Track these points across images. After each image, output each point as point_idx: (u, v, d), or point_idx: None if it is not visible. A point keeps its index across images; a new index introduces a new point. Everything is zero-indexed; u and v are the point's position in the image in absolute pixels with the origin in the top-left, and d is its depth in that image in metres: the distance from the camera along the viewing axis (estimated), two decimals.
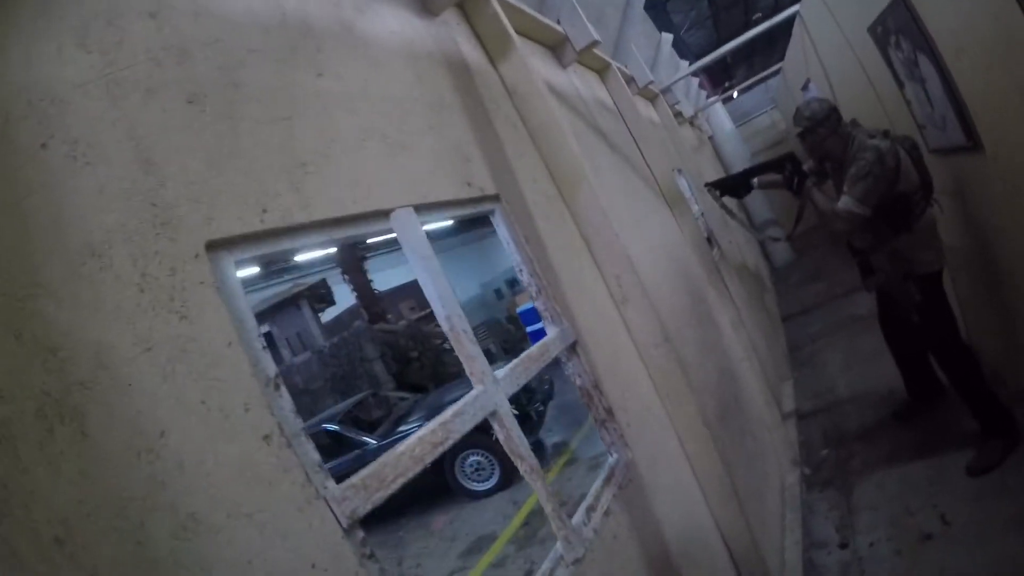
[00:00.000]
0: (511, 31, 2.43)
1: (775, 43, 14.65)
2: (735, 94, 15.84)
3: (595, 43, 3.38)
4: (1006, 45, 2.32)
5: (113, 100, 1.04)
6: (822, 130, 3.36)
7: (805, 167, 3.66)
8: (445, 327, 1.57)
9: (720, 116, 11.84)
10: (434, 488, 7.01)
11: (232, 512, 0.91)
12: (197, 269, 1.01)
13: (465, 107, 2.12)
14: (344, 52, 1.67)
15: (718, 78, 22.58)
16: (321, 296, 15.80)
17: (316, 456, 1.07)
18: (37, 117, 0.93)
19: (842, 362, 5.77)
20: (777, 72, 10.36)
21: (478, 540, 6.05)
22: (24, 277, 0.84)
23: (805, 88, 7.77)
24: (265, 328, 15.47)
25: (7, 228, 0.85)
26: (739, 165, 11.43)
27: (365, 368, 12.76)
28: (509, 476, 6.91)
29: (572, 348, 2.04)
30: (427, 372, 12.37)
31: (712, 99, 11.63)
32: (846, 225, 3.27)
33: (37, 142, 0.92)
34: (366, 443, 7.51)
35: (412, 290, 16.94)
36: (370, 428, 8.23)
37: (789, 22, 6.22)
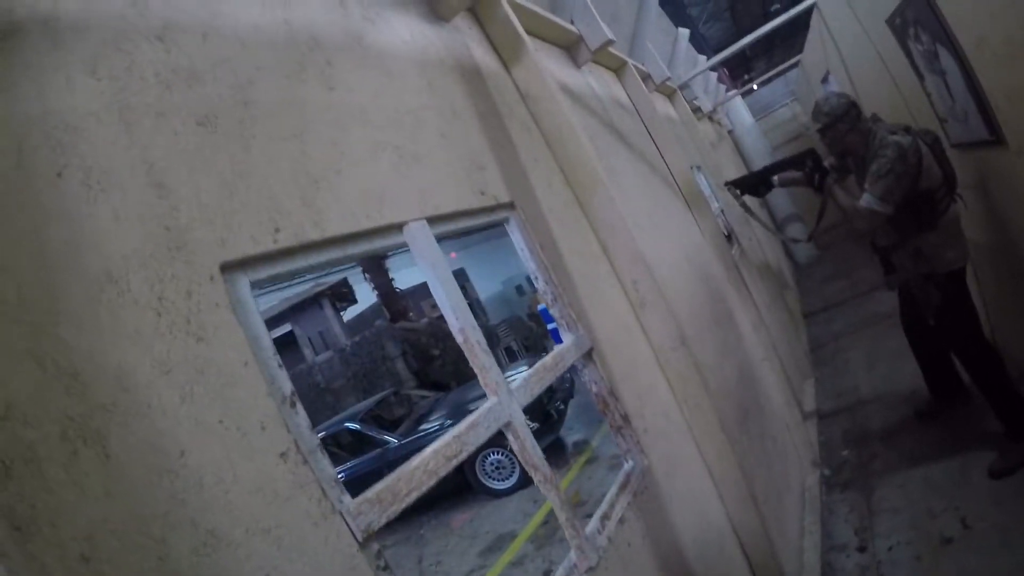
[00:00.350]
0: (523, 34, 2.43)
1: (795, 34, 14.46)
2: (755, 87, 15.67)
3: (609, 42, 3.36)
4: None
5: (125, 126, 1.06)
6: (842, 125, 3.32)
7: (826, 163, 3.62)
8: (459, 339, 1.58)
9: (740, 110, 11.72)
10: (455, 487, 7.04)
11: (250, 528, 0.93)
12: (212, 291, 1.03)
13: (478, 113, 2.12)
14: (354, 64, 1.68)
15: (737, 71, 22.36)
16: (343, 295, 15.94)
17: (331, 471, 1.09)
18: (51, 146, 0.96)
19: (865, 360, 5.72)
20: (796, 65, 10.23)
21: (498, 539, 6.08)
22: (45, 304, 0.86)
23: (825, 81, 7.67)
24: (287, 327, 15.67)
25: (27, 257, 0.87)
26: (759, 159, 11.31)
27: (387, 366, 12.84)
28: (527, 479, 6.91)
29: (588, 355, 2.04)
30: (449, 370, 12.41)
31: (731, 93, 11.49)
32: (868, 223, 3.23)
33: (53, 171, 0.94)
34: (387, 442, 7.54)
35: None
36: (392, 427, 8.28)
37: (807, 14, 6.15)
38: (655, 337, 2.33)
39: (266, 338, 1.08)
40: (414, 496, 1.21)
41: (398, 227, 1.53)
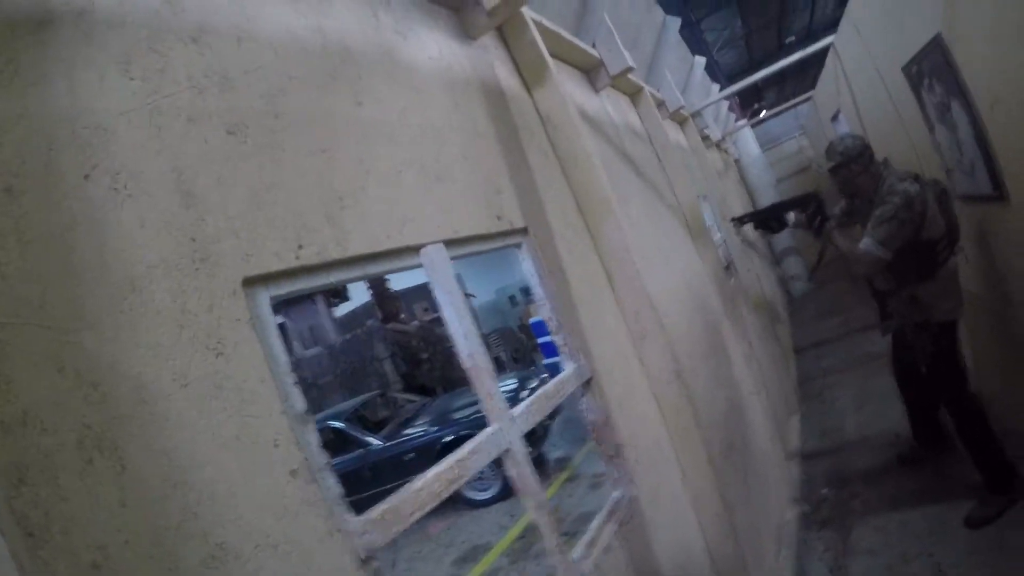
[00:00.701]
0: (547, 57, 2.45)
1: (808, 68, 14.56)
2: (763, 114, 15.76)
3: (629, 69, 3.40)
4: None
5: (156, 129, 1.04)
6: (855, 167, 3.36)
7: (837, 208, 3.66)
8: (467, 364, 1.58)
9: (748, 140, 11.78)
10: None
11: (259, 543, 0.94)
12: (234, 305, 1.03)
13: (498, 135, 2.13)
14: (384, 78, 1.68)
15: (748, 100, 22.47)
16: (336, 291, 15.89)
17: (338, 490, 1.10)
18: (80, 146, 0.94)
19: (852, 400, 5.73)
20: (807, 100, 10.31)
21: (472, 549, 6.07)
22: (67, 310, 0.86)
23: (835, 119, 7.74)
24: (279, 319, 15.58)
25: (51, 260, 0.87)
26: (764, 190, 11.39)
27: (375, 367, 12.80)
28: (509, 487, 6.80)
29: (587, 384, 2.05)
30: (436, 375, 12.38)
31: (741, 123, 11.57)
32: (866, 268, 3.26)
33: (81, 173, 0.93)
34: (370, 443, 7.52)
35: (427, 292, 16.88)
36: (376, 428, 8.23)
37: (823, 52, 6.21)
38: (652, 368, 2.35)
39: (283, 355, 1.09)
40: (416, 516, 1.22)
41: (415, 249, 1.53)
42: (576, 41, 3.09)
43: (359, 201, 1.38)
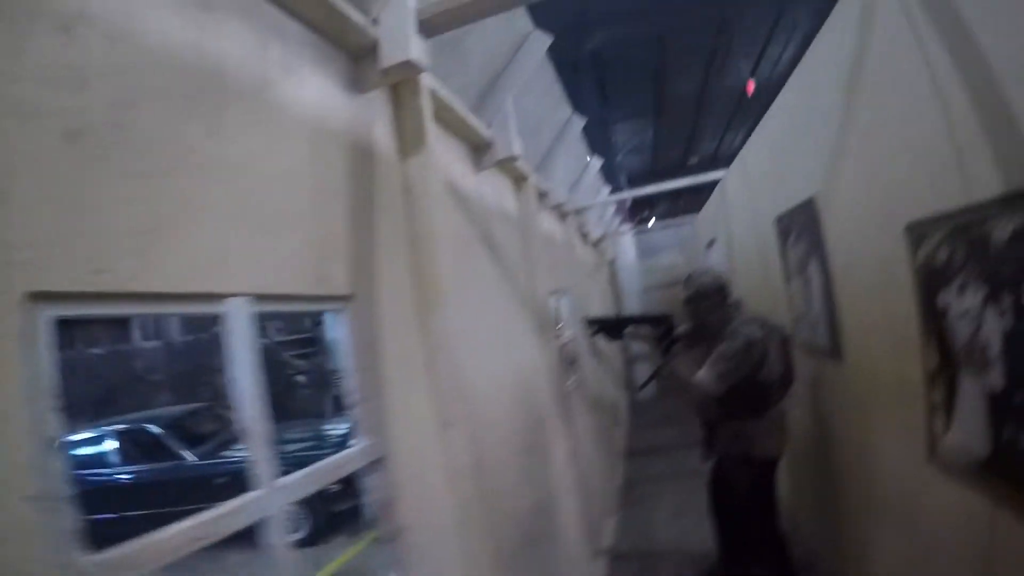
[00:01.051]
0: (428, 128, 2.38)
1: (702, 190, 15.81)
2: (651, 223, 16.77)
3: (515, 157, 3.44)
4: (884, 284, 2.54)
5: None
6: (706, 303, 3.56)
7: (681, 329, 3.84)
8: (246, 425, 1.49)
9: (627, 245, 12.37)
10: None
11: None
12: (9, 319, 0.92)
13: (353, 196, 2.02)
14: (246, 113, 1.56)
15: (640, 207, 23.88)
16: None
17: (75, 524, 0.98)
18: None
19: (671, 510, 5.92)
20: (690, 222, 11.04)
21: None
22: None
23: (710, 246, 8.30)
24: None
25: None
26: (632, 295, 11.92)
27: (210, 377, 11.90)
28: (319, 535, 6.70)
29: (376, 462, 1.95)
30: (274, 401, 11.60)
31: (624, 227, 12.18)
32: (699, 397, 3.43)
33: None
34: (183, 458, 7.15)
35: (286, 313, 16.11)
36: (195, 442, 7.73)
37: (713, 183, 6.71)
38: (452, 458, 2.26)
39: (49, 378, 0.98)
40: (151, 567, 1.09)
41: (220, 297, 1.40)
42: (470, 117, 3.09)
43: (171, 237, 1.25)
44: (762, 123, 4.37)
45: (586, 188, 6.79)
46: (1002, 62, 1.60)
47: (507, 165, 3.77)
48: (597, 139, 14.72)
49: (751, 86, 14.05)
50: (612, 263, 12.12)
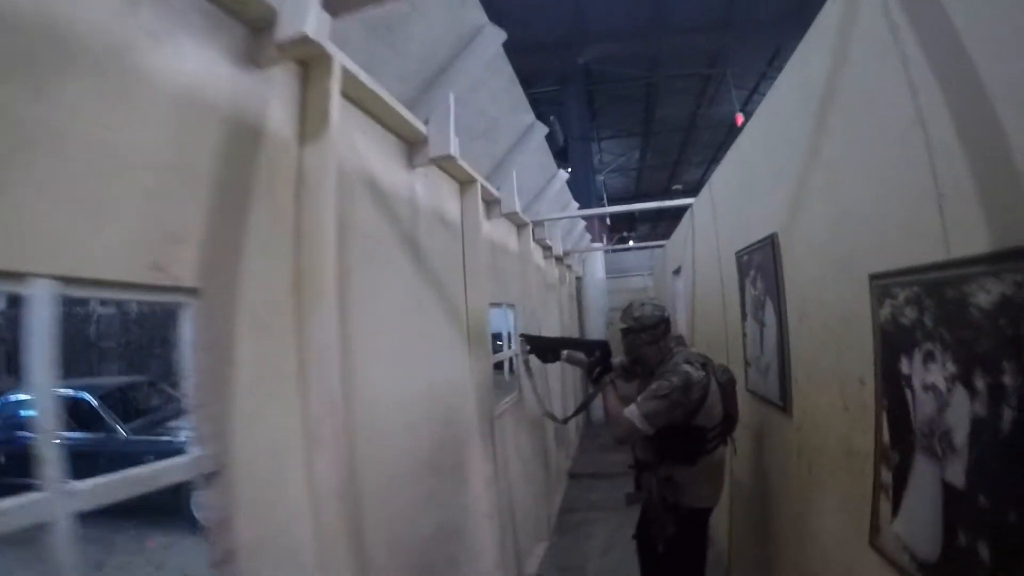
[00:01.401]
0: (333, 115, 2.10)
1: (680, 215, 15.73)
2: (630, 244, 16.62)
3: (450, 157, 3.11)
4: (842, 339, 2.25)
5: None
6: (644, 335, 3.25)
7: (617, 361, 3.53)
8: (37, 418, 1.24)
9: (596, 263, 12.07)
10: (167, 505, 6.42)
11: None
12: None
13: (223, 181, 1.73)
14: (96, 81, 1.33)
15: (619, 225, 23.83)
16: None
17: None
18: None
19: (604, 541, 5.69)
20: (661, 246, 10.86)
21: None
22: None
23: (676, 273, 8.07)
24: None
25: None
26: (594, 314, 11.66)
27: (163, 350, 11.53)
28: None
29: (210, 476, 1.63)
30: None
31: (593, 245, 11.91)
32: (624, 434, 3.08)
33: None
34: (115, 431, 7.09)
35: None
36: (132, 416, 7.63)
37: (685, 208, 6.44)
38: (319, 480, 1.94)
39: None
40: None
41: (19, 276, 1.18)
42: (401, 109, 2.77)
43: None
44: (731, 150, 4.11)
45: (550, 200, 6.44)
46: (1002, 88, 1.29)
47: (451, 166, 3.44)
48: (582, 155, 14.57)
49: (739, 119, 13.94)
50: (580, 280, 11.84)
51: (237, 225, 1.78)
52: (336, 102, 2.13)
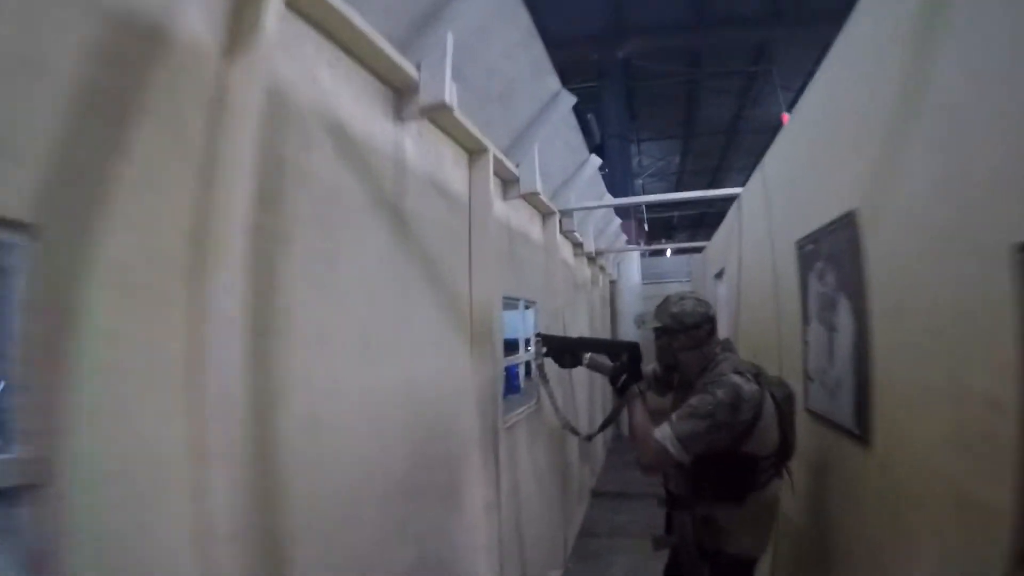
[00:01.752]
0: (267, 23, 1.60)
1: (720, 221, 14.97)
2: (668, 253, 15.94)
3: (443, 106, 2.50)
4: (957, 341, 1.61)
5: None
6: (683, 337, 2.56)
7: (648, 368, 2.87)
8: None
9: (632, 267, 11.47)
10: None
11: None
12: None
13: (98, 87, 1.25)
14: None
15: (658, 231, 23.13)
16: None
17: None
18: None
19: (626, 573, 5.08)
20: (700, 248, 10.21)
21: None
22: None
23: (719, 277, 7.38)
24: None
25: None
26: (625, 319, 11.02)
27: None
28: None
29: (28, 489, 1.09)
30: None
31: (628, 247, 11.26)
32: (652, 461, 2.39)
33: None
34: None
35: None
36: None
37: (731, 199, 5.79)
38: (211, 512, 1.37)
39: None
40: None
41: None
42: (383, 43, 2.22)
43: None
44: (787, 125, 3.45)
45: (581, 189, 5.76)
46: None
47: (453, 124, 2.88)
48: (620, 154, 13.93)
49: (786, 119, 13.13)
50: (614, 284, 11.21)
51: (112, 147, 1.27)
52: (275, 9, 1.62)
